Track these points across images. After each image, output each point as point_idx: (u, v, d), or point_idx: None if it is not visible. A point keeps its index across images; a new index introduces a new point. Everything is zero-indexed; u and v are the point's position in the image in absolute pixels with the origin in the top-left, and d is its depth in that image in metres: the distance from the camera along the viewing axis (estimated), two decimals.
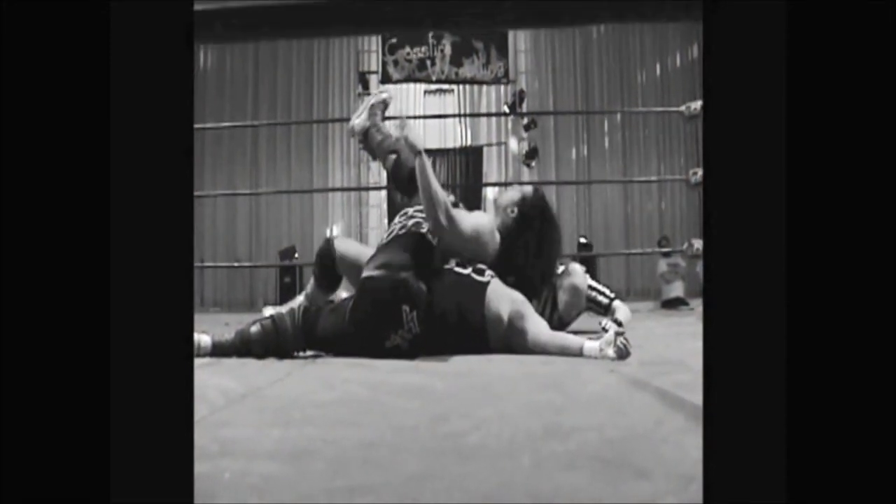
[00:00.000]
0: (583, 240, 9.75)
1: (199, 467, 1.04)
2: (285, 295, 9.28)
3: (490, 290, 2.65)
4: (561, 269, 3.83)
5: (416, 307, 2.44)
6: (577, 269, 3.76)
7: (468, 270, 2.69)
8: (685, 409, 1.40)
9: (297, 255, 9.81)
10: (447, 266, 2.70)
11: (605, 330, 3.98)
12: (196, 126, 9.08)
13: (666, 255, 8.79)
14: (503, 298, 2.64)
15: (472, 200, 10.87)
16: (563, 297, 3.67)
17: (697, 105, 4.70)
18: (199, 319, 7.18)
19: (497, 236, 3.01)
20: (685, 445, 1.12)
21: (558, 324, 3.50)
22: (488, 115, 10.79)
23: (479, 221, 2.92)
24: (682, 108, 4.85)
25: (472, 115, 10.73)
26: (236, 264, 9.40)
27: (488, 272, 2.73)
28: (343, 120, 10.02)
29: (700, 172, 4.70)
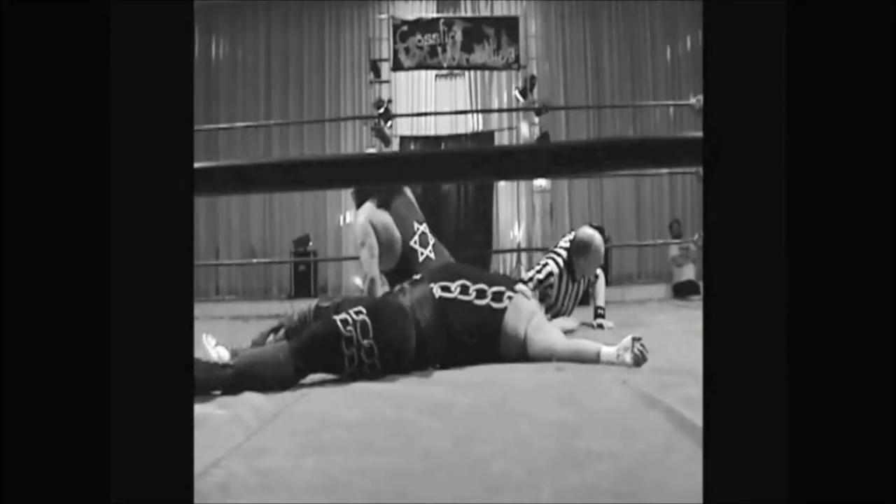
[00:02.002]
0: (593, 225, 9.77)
1: None
2: (300, 284, 9.39)
3: (508, 314, 2.71)
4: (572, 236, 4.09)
5: (435, 354, 2.60)
6: (586, 230, 4.14)
7: (486, 300, 2.72)
8: (693, 434, 1.48)
9: (311, 244, 9.90)
10: (466, 298, 2.71)
11: (599, 327, 4.12)
12: (210, 127, 9.15)
13: (677, 238, 8.89)
14: (521, 317, 2.71)
15: (484, 184, 10.93)
16: (580, 261, 4.08)
17: None
18: (214, 309, 7.29)
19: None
20: (693, 477, 1.20)
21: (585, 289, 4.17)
22: (499, 110, 10.82)
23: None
24: (693, 100, 4.90)
25: (484, 111, 10.81)
26: (254, 261, 9.50)
27: (506, 295, 2.75)
28: (355, 118, 10.05)
29: None
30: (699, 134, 0.87)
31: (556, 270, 4.08)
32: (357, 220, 3.51)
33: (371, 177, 1.07)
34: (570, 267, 4.09)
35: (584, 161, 0.91)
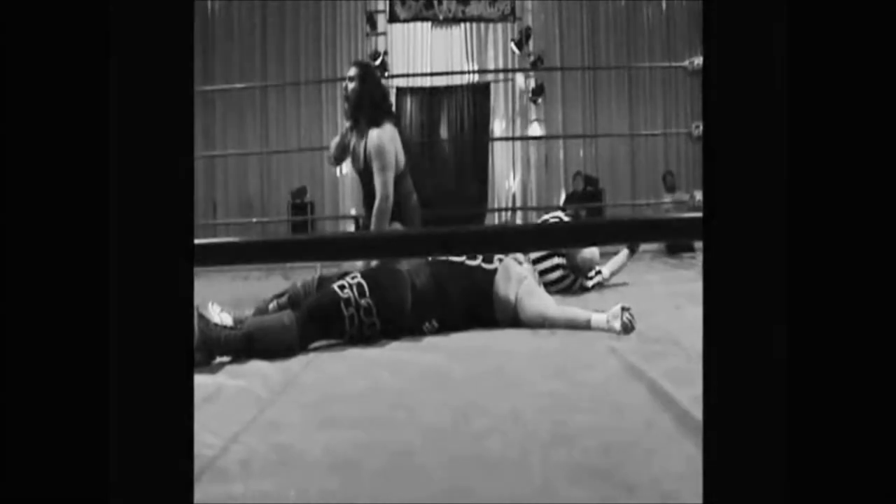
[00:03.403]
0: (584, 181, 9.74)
1: (268, 484, 1.26)
2: (297, 234, 9.49)
3: (498, 276, 2.84)
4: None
5: (431, 311, 2.72)
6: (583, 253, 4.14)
7: (477, 262, 2.86)
8: (673, 410, 1.61)
9: (308, 195, 9.99)
10: (457, 259, 2.85)
11: (598, 273, 4.23)
12: (207, 88, 9.13)
13: (670, 190, 8.97)
14: (511, 280, 2.83)
15: (480, 136, 10.99)
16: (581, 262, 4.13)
17: (700, 61, 4.80)
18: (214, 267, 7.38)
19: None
20: (670, 456, 1.33)
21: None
22: (495, 71, 10.84)
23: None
24: (686, 63, 4.95)
25: (480, 72, 10.83)
26: (254, 220, 9.58)
27: (497, 257, 2.89)
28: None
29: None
30: (698, 214, 0.92)
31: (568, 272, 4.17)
32: (383, 142, 3.44)
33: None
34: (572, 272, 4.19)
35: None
